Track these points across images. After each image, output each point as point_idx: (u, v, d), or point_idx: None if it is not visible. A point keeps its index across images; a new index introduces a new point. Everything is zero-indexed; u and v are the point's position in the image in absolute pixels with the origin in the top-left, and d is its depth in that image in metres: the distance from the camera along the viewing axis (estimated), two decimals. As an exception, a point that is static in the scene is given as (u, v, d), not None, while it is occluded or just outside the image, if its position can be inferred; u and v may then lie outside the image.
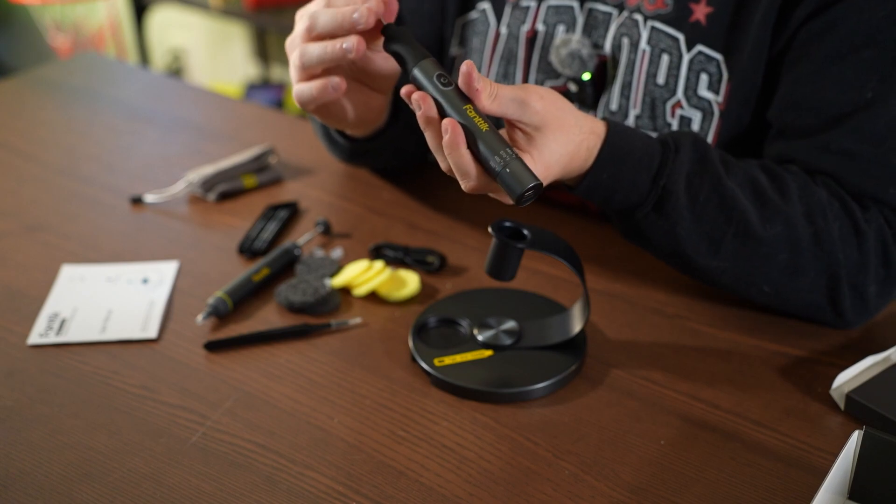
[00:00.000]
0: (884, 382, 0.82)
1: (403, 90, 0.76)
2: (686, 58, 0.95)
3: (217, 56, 3.38)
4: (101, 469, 0.76)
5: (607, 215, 0.89)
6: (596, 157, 0.81)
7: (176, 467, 0.76)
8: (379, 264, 0.97)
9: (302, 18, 0.87)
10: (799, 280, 0.87)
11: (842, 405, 0.81)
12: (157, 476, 0.75)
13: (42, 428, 0.80)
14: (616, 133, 0.82)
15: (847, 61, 0.88)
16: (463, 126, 0.73)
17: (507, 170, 0.72)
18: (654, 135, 0.91)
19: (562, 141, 0.76)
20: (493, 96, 0.74)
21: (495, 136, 0.73)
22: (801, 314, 0.91)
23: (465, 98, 0.74)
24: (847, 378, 0.81)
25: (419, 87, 0.76)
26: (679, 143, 0.85)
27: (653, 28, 0.97)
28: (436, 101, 0.75)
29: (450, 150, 0.73)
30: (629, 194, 0.83)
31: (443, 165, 0.77)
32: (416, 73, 0.76)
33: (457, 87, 0.74)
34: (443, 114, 0.75)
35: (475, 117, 0.74)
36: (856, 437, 0.71)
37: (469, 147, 0.73)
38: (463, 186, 0.75)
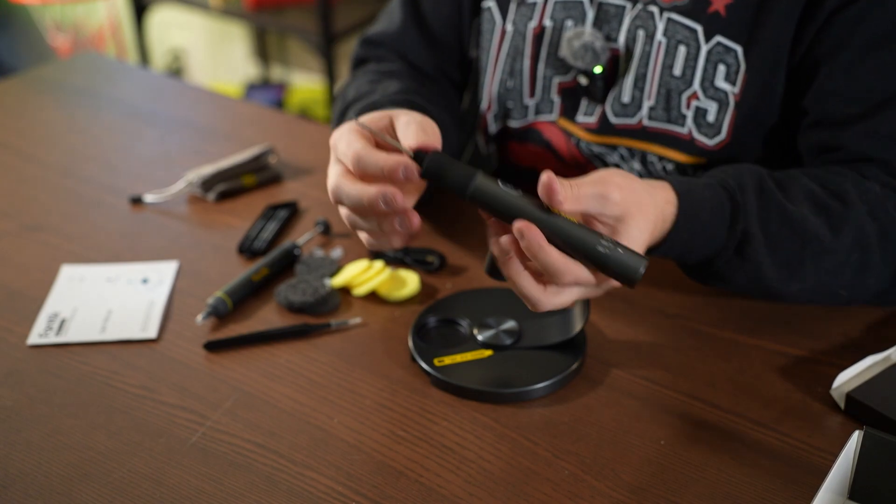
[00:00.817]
0: (884, 382, 0.81)
1: (503, 241, 0.72)
2: (704, 49, 0.96)
3: (217, 56, 3.38)
4: (101, 469, 0.76)
5: (680, 265, 0.90)
6: (673, 223, 0.80)
7: (176, 467, 0.76)
8: (379, 264, 0.97)
9: (333, 175, 0.77)
10: (869, 275, 0.87)
11: (842, 405, 0.81)
12: (157, 476, 0.75)
13: (42, 428, 0.80)
14: (686, 193, 0.81)
15: (886, 47, 0.89)
16: (554, 225, 0.71)
17: (620, 250, 0.71)
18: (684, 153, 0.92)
19: (643, 226, 0.75)
20: (573, 196, 0.72)
21: (587, 228, 0.72)
22: (865, 303, 0.92)
23: (536, 199, 0.72)
24: (847, 378, 0.81)
25: (484, 202, 0.72)
26: (740, 181, 0.85)
27: (669, 20, 0.97)
28: (514, 207, 0.71)
29: (535, 251, 0.70)
30: (708, 245, 0.83)
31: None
32: (480, 187, 0.72)
33: (522, 192, 0.72)
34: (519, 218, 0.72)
35: (560, 213, 0.72)
36: (856, 437, 0.71)
37: (562, 248, 0.71)
38: (563, 284, 0.72)
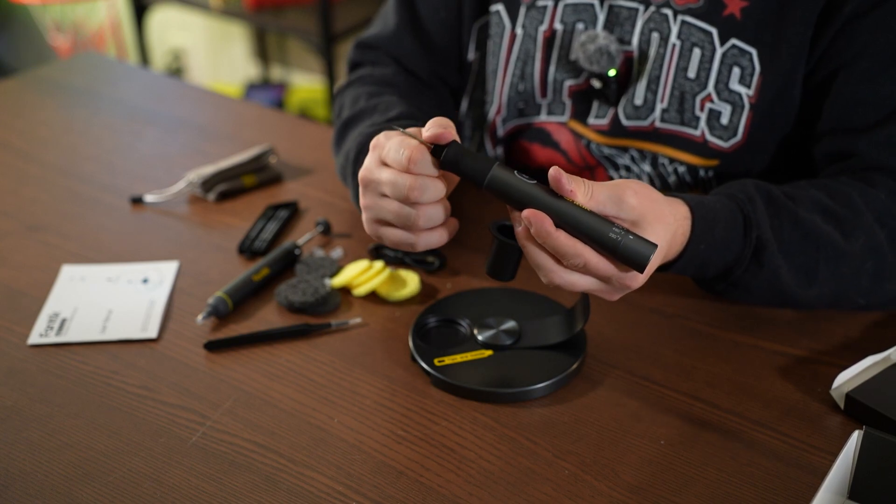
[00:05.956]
0: (884, 382, 0.82)
1: (524, 212, 0.72)
2: (719, 52, 0.96)
3: (217, 56, 3.38)
4: (101, 469, 0.76)
5: (698, 281, 0.90)
6: (689, 237, 0.80)
7: (176, 467, 0.76)
8: (379, 264, 0.97)
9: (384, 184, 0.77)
10: (886, 282, 0.88)
11: (842, 405, 0.81)
12: (157, 476, 0.75)
13: (42, 428, 0.80)
14: (699, 207, 0.81)
15: None
16: (567, 212, 0.72)
17: (631, 236, 0.72)
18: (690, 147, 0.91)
19: (660, 233, 0.75)
20: (588, 195, 0.73)
21: (599, 216, 0.73)
22: (883, 309, 0.92)
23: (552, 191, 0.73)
24: (847, 378, 0.81)
25: (501, 191, 0.73)
26: (747, 192, 0.85)
27: (683, 22, 0.97)
28: (528, 196, 0.72)
29: (543, 237, 0.71)
30: (725, 256, 0.83)
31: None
32: (497, 175, 0.73)
33: (538, 181, 0.73)
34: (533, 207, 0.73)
35: (574, 202, 0.72)
36: (856, 437, 0.71)
37: (575, 235, 0.72)
38: (573, 265, 0.73)
